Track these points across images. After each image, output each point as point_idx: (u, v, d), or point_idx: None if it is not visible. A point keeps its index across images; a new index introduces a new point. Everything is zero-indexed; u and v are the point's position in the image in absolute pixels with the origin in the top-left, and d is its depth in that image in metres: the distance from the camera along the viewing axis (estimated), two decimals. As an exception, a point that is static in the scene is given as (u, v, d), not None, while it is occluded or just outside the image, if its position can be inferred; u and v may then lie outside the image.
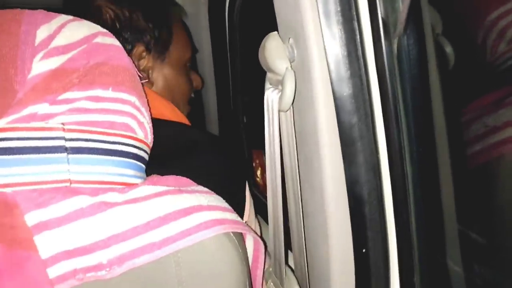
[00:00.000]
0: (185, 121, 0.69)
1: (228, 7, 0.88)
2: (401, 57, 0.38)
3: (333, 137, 0.41)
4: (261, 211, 0.74)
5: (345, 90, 0.40)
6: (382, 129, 0.41)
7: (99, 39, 0.44)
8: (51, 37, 0.41)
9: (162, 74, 0.69)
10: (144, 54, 0.66)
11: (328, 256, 0.44)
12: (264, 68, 0.46)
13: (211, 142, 0.66)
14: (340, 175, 0.42)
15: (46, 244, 0.36)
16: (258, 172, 1.19)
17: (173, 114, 0.66)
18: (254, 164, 1.19)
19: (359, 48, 0.39)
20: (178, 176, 0.47)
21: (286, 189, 0.50)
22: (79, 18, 0.44)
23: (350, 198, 0.42)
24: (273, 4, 0.45)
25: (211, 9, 0.92)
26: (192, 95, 0.79)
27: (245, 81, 1.05)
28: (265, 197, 0.55)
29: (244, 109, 1.10)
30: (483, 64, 0.57)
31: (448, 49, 0.46)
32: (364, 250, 0.43)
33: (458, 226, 0.43)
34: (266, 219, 0.58)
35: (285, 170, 0.49)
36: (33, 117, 0.38)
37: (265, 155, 0.55)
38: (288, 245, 0.54)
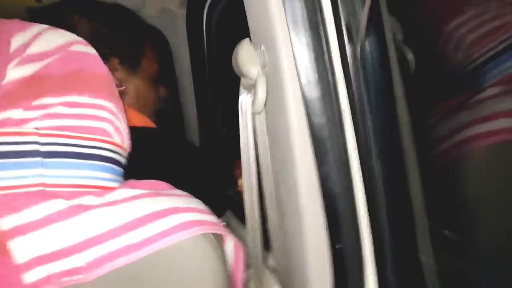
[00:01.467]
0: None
1: (206, 18, 0.91)
2: (364, 60, 0.41)
3: (305, 137, 0.43)
4: (243, 218, 0.75)
5: (314, 92, 0.42)
6: (350, 129, 0.43)
7: (74, 48, 0.44)
8: (26, 45, 0.41)
9: (134, 85, 0.73)
10: (118, 66, 0.70)
11: (305, 253, 0.45)
12: (237, 73, 0.47)
13: (185, 147, 0.68)
14: (313, 174, 0.44)
15: (21, 249, 0.35)
16: (239, 182, 1.20)
17: (146, 124, 0.69)
18: (235, 174, 1.20)
19: (326, 53, 0.42)
20: (155, 181, 0.48)
21: (263, 189, 0.51)
22: (55, 27, 0.45)
23: (323, 196, 0.44)
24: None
25: (189, 21, 0.94)
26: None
27: (224, 92, 1.07)
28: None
29: (224, 120, 1.12)
30: (444, 70, 0.61)
31: (409, 55, 0.49)
32: (338, 246, 0.44)
33: (428, 220, 0.45)
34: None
35: (261, 171, 0.50)
36: (6, 122, 0.38)
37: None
38: (266, 246, 0.55)
